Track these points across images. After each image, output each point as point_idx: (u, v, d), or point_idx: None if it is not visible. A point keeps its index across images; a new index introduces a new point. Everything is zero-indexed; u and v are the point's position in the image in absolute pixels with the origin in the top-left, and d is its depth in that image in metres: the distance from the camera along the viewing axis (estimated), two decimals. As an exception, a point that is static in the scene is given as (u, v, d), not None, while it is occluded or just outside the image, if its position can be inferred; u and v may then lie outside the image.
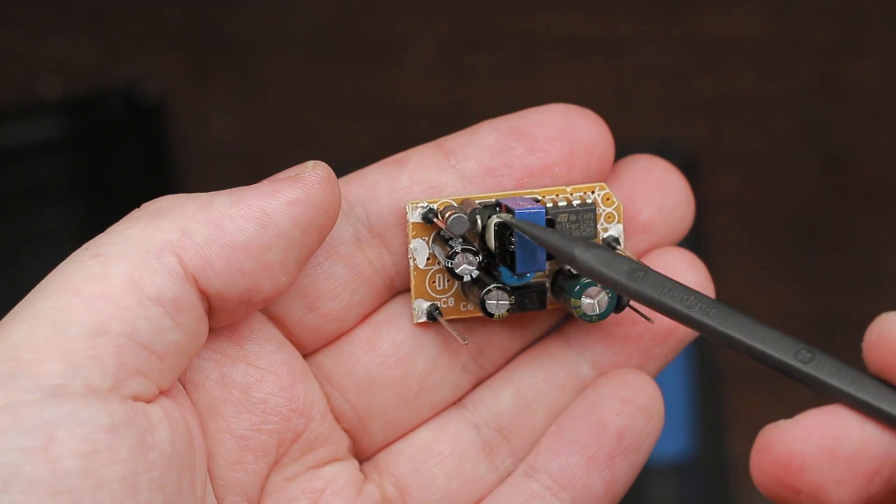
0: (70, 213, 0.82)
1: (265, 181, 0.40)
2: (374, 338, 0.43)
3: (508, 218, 0.41)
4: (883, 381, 0.37)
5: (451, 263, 0.42)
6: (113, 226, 0.39)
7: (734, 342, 0.38)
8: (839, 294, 0.83)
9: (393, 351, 0.43)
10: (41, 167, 0.83)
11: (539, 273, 0.43)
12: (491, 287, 0.42)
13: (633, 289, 0.39)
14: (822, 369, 0.38)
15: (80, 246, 0.39)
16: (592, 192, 0.43)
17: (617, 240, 0.43)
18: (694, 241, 0.81)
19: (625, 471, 0.42)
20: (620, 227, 0.43)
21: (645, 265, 0.39)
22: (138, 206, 0.40)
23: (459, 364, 0.44)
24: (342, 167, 0.72)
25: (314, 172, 0.40)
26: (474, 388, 0.44)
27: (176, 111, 0.84)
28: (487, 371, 0.44)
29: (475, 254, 0.42)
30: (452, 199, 0.43)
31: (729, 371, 0.81)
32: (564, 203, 0.43)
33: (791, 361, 0.38)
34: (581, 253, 0.39)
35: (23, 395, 0.35)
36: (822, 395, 0.38)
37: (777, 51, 0.85)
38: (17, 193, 0.83)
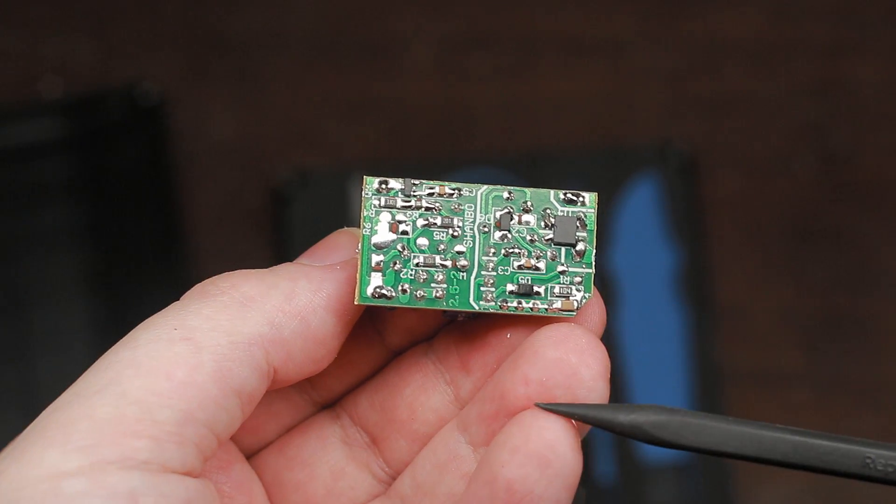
0: (70, 213, 0.82)
1: (326, 254, 0.41)
2: (282, 440, 0.44)
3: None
4: None
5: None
6: (192, 302, 0.39)
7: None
8: (839, 294, 0.83)
9: (295, 452, 0.43)
10: (41, 167, 0.83)
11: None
12: None
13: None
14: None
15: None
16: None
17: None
18: (694, 241, 0.81)
19: None
20: None
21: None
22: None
23: (368, 472, 0.43)
24: (342, 167, 0.72)
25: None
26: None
27: (176, 111, 0.84)
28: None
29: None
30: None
31: (729, 371, 0.81)
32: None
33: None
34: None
35: (108, 464, 0.36)
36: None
37: (777, 51, 0.85)
38: (17, 193, 0.83)
